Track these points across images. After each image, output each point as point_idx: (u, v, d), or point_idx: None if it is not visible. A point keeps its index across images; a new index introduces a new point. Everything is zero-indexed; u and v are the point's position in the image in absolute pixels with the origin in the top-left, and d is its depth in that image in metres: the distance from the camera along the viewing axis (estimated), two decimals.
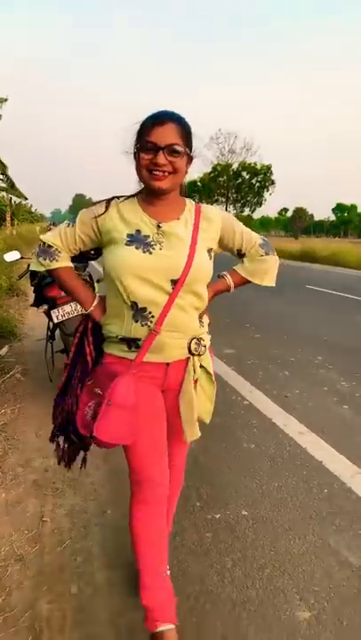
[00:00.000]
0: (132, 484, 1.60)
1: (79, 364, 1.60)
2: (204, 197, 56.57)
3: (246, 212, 52.69)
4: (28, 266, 3.83)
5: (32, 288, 3.90)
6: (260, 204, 52.60)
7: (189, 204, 1.57)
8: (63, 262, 1.57)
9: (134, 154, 1.43)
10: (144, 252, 1.42)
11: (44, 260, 1.56)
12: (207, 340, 1.59)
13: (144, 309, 1.44)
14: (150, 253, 1.42)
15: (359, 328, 6.67)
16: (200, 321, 1.56)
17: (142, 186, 1.49)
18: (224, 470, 2.67)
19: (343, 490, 2.49)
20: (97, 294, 1.61)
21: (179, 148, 1.38)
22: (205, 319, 1.61)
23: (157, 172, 1.40)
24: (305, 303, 8.97)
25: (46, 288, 3.46)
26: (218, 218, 1.56)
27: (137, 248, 1.42)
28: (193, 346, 1.51)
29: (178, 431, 1.58)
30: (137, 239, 1.43)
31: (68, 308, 3.40)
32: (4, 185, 25.43)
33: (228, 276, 1.68)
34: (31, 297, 4.39)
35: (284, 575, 1.88)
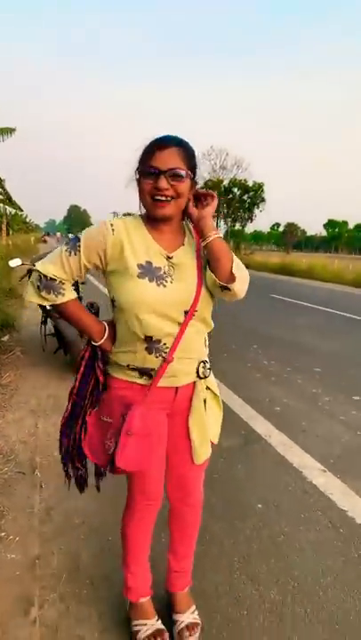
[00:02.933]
0: (131, 499, 1.65)
1: (88, 391, 1.54)
2: None
3: (237, 226, 54.33)
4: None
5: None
6: (251, 220, 54.05)
7: (185, 225, 1.53)
8: (69, 294, 1.46)
9: (137, 180, 1.39)
10: (158, 284, 1.37)
11: (49, 294, 1.43)
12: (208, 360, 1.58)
13: (159, 341, 1.42)
14: (164, 287, 1.38)
15: (294, 327, 8.06)
16: (205, 344, 1.57)
17: (144, 212, 1.45)
18: None
19: (229, 411, 3.83)
20: (105, 324, 1.51)
21: (181, 172, 1.34)
22: (206, 340, 1.60)
23: (160, 198, 1.35)
24: (263, 308, 10.36)
25: None
26: None
27: (150, 281, 1.37)
28: (200, 369, 1.52)
29: (188, 453, 1.59)
30: (149, 271, 1.38)
31: None
32: (2, 197, 26.51)
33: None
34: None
35: None
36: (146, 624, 1.70)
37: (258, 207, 51.96)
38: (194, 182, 1.43)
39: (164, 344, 1.43)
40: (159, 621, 1.73)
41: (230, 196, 51.84)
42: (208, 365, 1.57)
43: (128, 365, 1.48)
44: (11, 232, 36.63)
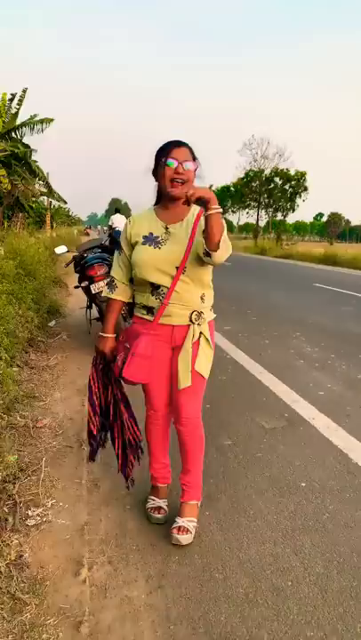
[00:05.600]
0: (146, 409, 2.25)
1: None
2: (236, 202, 57.71)
3: (279, 216, 53.33)
4: (73, 257, 5.32)
5: (75, 276, 5.39)
6: (293, 210, 52.86)
7: (194, 207, 1.95)
8: (117, 296, 2.10)
9: (154, 172, 1.92)
10: (155, 247, 1.92)
11: (107, 289, 2.13)
12: (208, 314, 2.04)
13: (158, 287, 1.94)
14: (159, 248, 1.92)
15: (339, 315, 7.86)
16: (202, 299, 1.99)
17: (153, 201, 2.02)
18: None
19: (272, 395, 3.81)
20: (114, 336, 2.12)
21: (191, 164, 1.87)
22: (208, 299, 2.03)
23: (177, 181, 1.85)
24: (305, 296, 10.17)
25: (87, 269, 4.90)
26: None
27: (150, 245, 1.93)
28: (193, 316, 1.96)
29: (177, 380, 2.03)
30: (150, 239, 1.94)
31: (101, 283, 4.81)
32: (44, 190, 27.10)
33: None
34: (71, 288, 6.00)
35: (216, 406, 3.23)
36: (155, 500, 2.28)
37: (300, 196, 50.82)
38: (195, 173, 1.92)
39: (162, 290, 1.93)
40: (165, 502, 2.27)
41: (272, 185, 50.95)
42: (203, 316, 2.00)
43: (140, 303, 2.03)
44: (54, 224, 37.51)
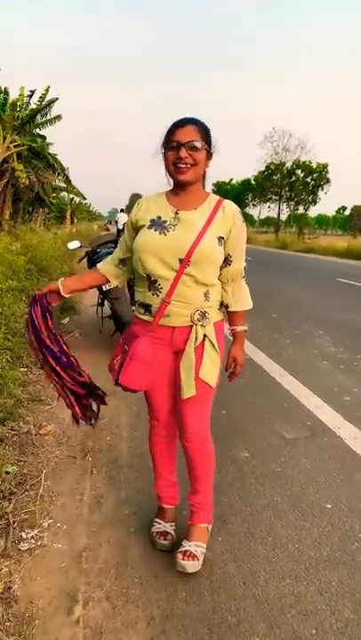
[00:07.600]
0: (149, 419, 2.05)
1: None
2: (257, 195, 56.83)
3: (300, 210, 52.41)
4: (86, 252, 5.11)
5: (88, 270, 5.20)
6: (315, 203, 51.90)
7: (212, 197, 1.77)
8: (101, 267, 1.94)
9: (163, 154, 1.70)
10: (160, 233, 1.68)
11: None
12: (214, 315, 1.78)
13: (155, 281, 1.71)
14: (165, 235, 1.68)
15: None
16: (206, 296, 1.74)
17: (171, 184, 1.77)
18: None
19: (293, 400, 3.53)
20: (60, 289, 1.85)
21: (197, 144, 1.63)
22: (213, 297, 1.77)
23: (181, 165, 1.63)
24: (328, 292, 9.79)
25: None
26: (231, 213, 1.74)
27: (155, 230, 1.69)
28: (196, 316, 1.72)
29: (180, 388, 1.80)
30: (156, 223, 1.70)
31: None
32: (63, 184, 27.09)
33: (234, 327, 1.91)
34: None
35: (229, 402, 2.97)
36: (161, 524, 2.05)
37: (322, 189, 49.80)
38: (210, 154, 1.71)
39: (159, 284, 1.70)
40: (172, 527, 2.04)
41: (293, 178, 50.00)
42: (208, 316, 1.75)
43: (139, 301, 1.82)
44: (75, 220, 37.65)
